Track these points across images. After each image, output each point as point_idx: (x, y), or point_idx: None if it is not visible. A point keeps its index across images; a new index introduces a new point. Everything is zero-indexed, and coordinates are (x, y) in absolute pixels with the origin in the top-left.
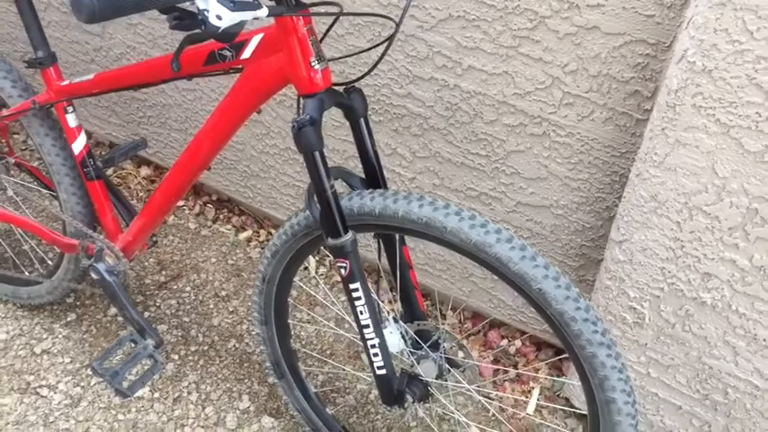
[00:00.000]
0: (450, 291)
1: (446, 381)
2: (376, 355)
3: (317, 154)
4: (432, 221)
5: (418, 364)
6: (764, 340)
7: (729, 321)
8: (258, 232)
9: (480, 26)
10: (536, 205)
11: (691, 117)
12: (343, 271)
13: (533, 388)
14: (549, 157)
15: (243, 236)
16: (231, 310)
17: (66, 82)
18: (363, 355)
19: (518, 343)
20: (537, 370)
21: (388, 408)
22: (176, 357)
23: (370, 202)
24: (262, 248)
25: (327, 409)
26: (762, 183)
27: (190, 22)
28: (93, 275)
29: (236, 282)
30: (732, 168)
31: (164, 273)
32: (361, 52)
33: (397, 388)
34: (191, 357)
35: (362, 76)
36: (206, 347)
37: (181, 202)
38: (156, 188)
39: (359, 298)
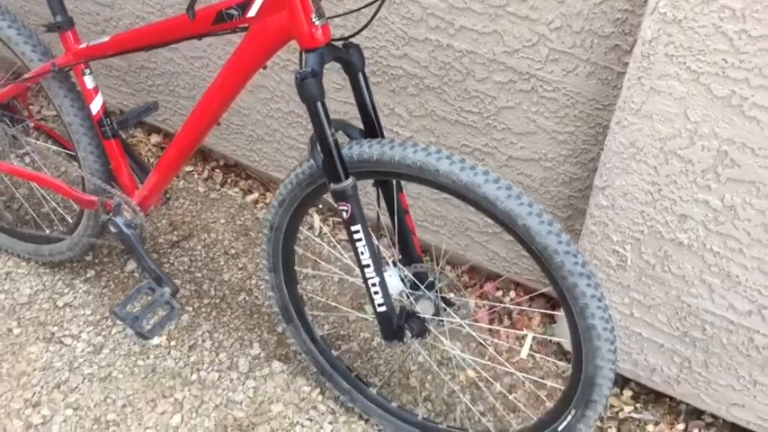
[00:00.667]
0: (447, 245)
1: (442, 319)
2: (376, 293)
3: (319, 104)
4: (425, 165)
5: (416, 303)
6: (737, 277)
7: (705, 260)
8: (264, 194)
9: None
10: (526, 159)
11: (664, 66)
12: (344, 214)
13: (526, 335)
14: (537, 112)
15: (250, 198)
16: (240, 266)
17: (84, 45)
18: (366, 303)
19: (512, 294)
20: (530, 318)
21: (389, 343)
22: (190, 309)
23: (368, 150)
24: (266, 207)
25: (333, 351)
26: (730, 126)
27: None
28: (112, 229)
29: (245, 240)
30: (703, 113)
31: (175, 233)
32: (356, 11)
33: (396, 323)
34: (204, 309)
35: (359, 31)
36: (218, 300)
37: (189, 167)
38: (169, 144)
39: (360, 239)
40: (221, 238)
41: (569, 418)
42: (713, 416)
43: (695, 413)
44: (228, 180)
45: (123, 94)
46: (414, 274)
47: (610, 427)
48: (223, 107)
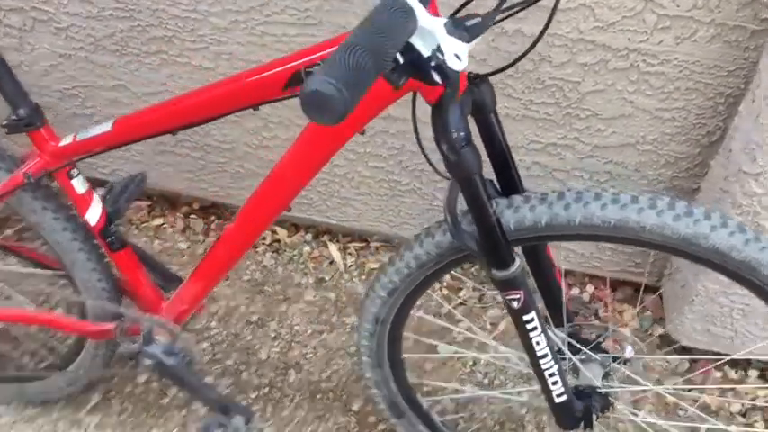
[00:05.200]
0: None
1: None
2: (555, 383)
3: (477, 178)
4: (623, 222)
5: (581, 368)
6: None
7: None
8: (264, 235)
9: None
10: (617, 145)
11: None
12: (515, 303)
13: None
14: (635, 92)
15: None
16: (273, 335)
17: (68, 140)
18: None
19: (590, 288)
20: (621, 312)
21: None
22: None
23: (531, 214)
24: (274, 253)
25: None
26: None
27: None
28: (148, 362)
29: (263, 300)
30: None
31: None
32: (511, 65)
33: (578, 408)
34: (255, 407)
35: (503, 69)
36: (266, 389)
37: (159, 220)
38: (216, 242)
39: (534, 328)
40: (233, 304)
41: None
42: None
43: None
44: (212, 226)
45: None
46: (571, 336)
47: None
48: (300, 186)
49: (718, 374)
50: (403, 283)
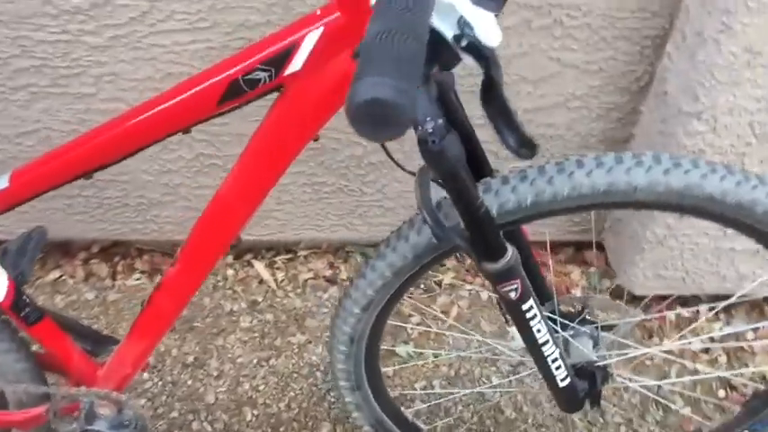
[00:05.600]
0: None
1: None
2: (558, 368)
3: (462, 169)
4: (614, 186)
5: (574, 344)
6: None
7: None
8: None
9: None
10: (548, 107)
11: None
12: (513, 294)
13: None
14: (561, 48)
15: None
16: (215, 374)
17: None
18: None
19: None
20: (567, 274)
21: (571, 413)
22: None
23: (513, 195)
24: None
25: None
26: None
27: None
28: None
29: (195, 337)
30: None
31: None
32: None
33: (582, 388)
34: None
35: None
36: None
37: (56, 272)
38: (158, 289)
39: (534, 316)
40: (163, 349)
41: None
42: None
43: None
44: (119, 268)
45: None
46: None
47: None
48: (251, 209)
49: (673, 316)
50: (378, 295)
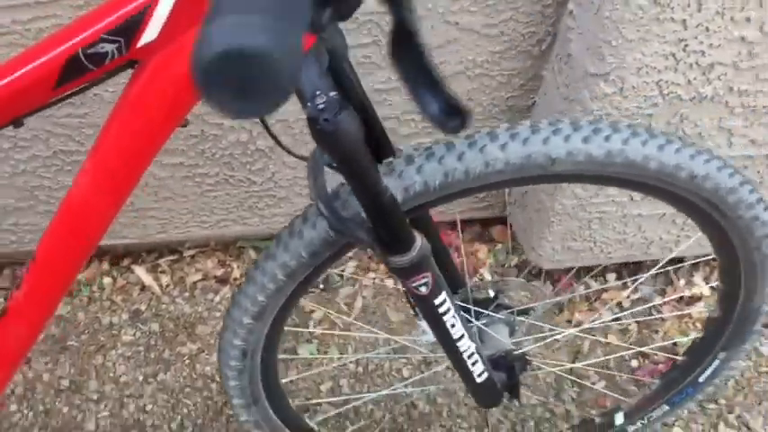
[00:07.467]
0: None
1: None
2: (475, 362)
3: (362, 151)
4: (531, 159)
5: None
6: (764, 107)
7: (728, 105)
8: None
9: None
10: (448, 76)
11: None
12: (424, 289)
13: (482, 274)
14: (459, 11)
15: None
16: (95, 397)
17: None
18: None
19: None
20: (475, 253)
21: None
22: None
23: (419, 176)
24: (68, 296)
25: None
26: None
27: None
28: None
29: (70, 358)
30: None
31: None
32: None
33: (500, 380)
34: None
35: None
36: None
37: None
38: (3, 317)
39: (447, 310)
40: (32, 374)
41: (716, 363)
42: None
43: None
44: None
45: None
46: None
47: None
48: (112, 213)
49: (581, 288)
50: (271, 301)
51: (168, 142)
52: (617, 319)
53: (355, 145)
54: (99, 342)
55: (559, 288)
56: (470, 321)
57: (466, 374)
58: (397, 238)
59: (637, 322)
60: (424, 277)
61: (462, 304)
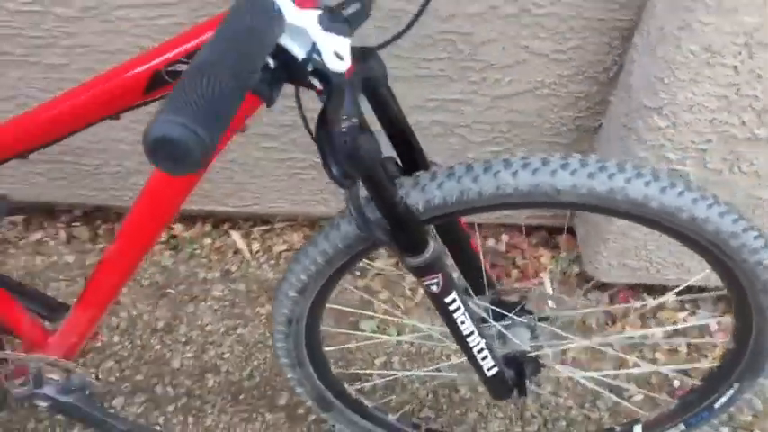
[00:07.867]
0: None
1: (544, 338)
2: (485, 357)
3: (378, 166)
4: (538, 188)
5: (507, 335)
6: None
7: None
8: None
9: None
10: (515, 94)
11: None
12: (435, 287)
13: (542, 278)
14: (529, 36)
15: None
16: (184, 340)
17: None
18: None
19: (505, 238)
20: (538, 258)
21: (501, 401)
22: (158, 428)
23: (439, 191)
24: (173, 251)
25: (390, 417)
26: None
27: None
28: (42, 404)
29: (168, 304)
30: None
31: None
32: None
33: (511, 377)
34: (175, 420)
35: (394, 39)
36: (184, 400)
37: (38, 233)
38: (100, 263)
39: (458, 308)
40: (135, 313)
41: (730, 392)
42: None
43: None
44: (99, 232)
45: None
46: (493, 303)
47: None
48: (181, 197)
49: (638, 304)
50: (312, 280)
51: (262, 128)
52: (668, 338)
53: (372, 162)
54: (193, 293)
55: (591, 306)
56: (487, 321)
57: (477, 367)
58: (411, 241)
59: (687, 344)
60: (435, 277)
61: (486, 305)
